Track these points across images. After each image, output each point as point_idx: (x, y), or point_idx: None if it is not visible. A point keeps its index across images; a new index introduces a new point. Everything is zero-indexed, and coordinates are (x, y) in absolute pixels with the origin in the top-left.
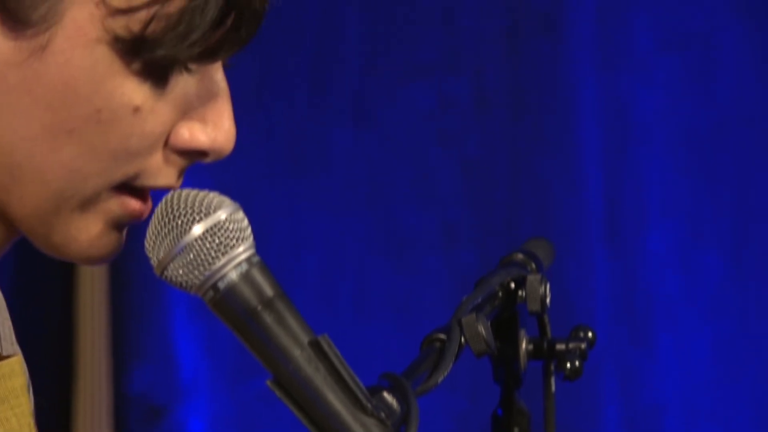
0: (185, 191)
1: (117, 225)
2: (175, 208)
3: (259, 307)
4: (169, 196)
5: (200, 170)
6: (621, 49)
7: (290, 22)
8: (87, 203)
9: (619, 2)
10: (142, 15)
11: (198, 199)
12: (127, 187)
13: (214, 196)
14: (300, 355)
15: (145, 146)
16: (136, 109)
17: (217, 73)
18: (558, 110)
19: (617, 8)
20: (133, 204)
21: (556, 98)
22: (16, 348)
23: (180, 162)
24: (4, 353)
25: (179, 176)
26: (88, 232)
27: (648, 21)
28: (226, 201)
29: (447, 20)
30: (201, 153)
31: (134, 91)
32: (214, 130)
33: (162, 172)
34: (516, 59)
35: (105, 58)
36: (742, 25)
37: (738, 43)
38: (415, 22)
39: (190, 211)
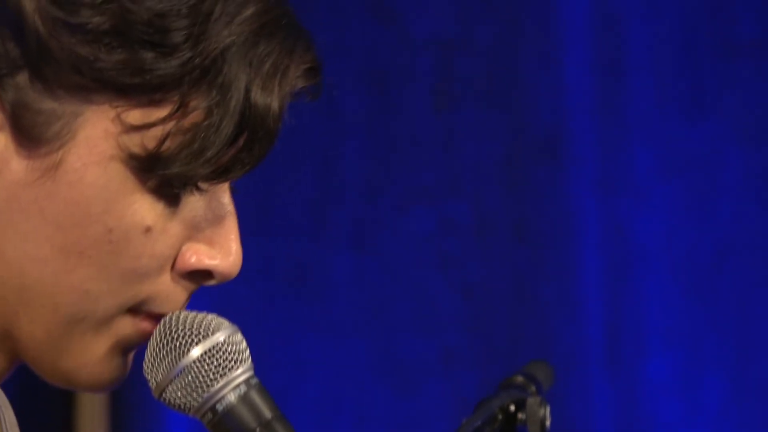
0: (183, 313)
1: (127, 347)
2: (174, 329)
3: (258, 429)
4: (167, 317)
5: (200, 291)
6: (621, 175)
7: (292, 147)
8: (99, 325)
9: (619, 128)
10: (157, 132)
11: (196, 321)
12: (140, 311)
13: (212, 318)
14: None
15: (155, 267)
16: (148, 229)
17: (224, 195)
18: (558, 235)
19: (617, 133)
20: (146, 325)
21: (556, 223)
22: None
23: (187, 284)
24: None
25: (187, 300)
26: (98, 356)
27: (648, 146)
28: (225, 323)
29: (447, 144)
30: (208, 275)
31: (147, 210)
32: (221, 253)
33: (171, 296)
34: (516, 184)
35: (118, 176)
36: (743, 151)
37: (738, 169)
38: (416, 146)
39: (188, 333)
